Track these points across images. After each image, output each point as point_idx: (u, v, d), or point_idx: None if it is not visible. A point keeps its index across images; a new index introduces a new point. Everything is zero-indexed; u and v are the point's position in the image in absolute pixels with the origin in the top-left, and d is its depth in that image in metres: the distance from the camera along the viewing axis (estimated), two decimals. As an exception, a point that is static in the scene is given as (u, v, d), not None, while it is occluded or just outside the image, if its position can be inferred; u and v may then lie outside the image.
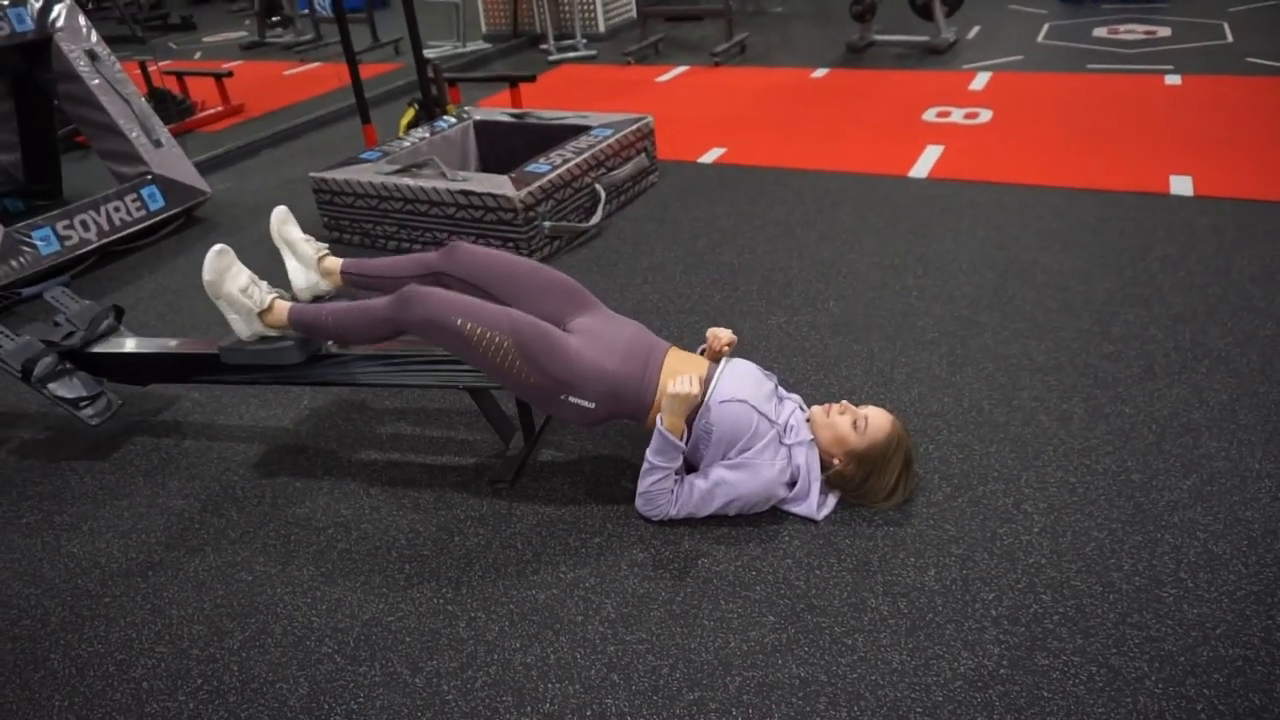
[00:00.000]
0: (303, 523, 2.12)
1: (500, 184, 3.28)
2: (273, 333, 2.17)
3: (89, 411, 2.38)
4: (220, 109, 5.91)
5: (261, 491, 2.24)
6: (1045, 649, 1.62)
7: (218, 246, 2.16)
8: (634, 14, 7.23)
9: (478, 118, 4.20)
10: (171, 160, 3.99)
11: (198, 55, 8.35)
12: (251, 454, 2.40)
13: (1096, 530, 1.87)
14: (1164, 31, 5.86)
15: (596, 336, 2.02)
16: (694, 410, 1.95)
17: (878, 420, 1.96)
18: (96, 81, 3.82)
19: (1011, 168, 3.82)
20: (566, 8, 6.94)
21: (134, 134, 3.87)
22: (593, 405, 1.96)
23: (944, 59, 5.67)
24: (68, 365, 2.41)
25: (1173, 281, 2.81)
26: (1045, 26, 6.30)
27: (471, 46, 7.18)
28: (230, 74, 5.96)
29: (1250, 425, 2.14)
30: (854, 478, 1.96)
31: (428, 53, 7.04)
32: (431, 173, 3.46)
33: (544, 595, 1.84)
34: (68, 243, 3.57)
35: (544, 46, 6.88)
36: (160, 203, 3.91)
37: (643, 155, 3.91)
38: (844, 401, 2.02)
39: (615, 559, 1.92)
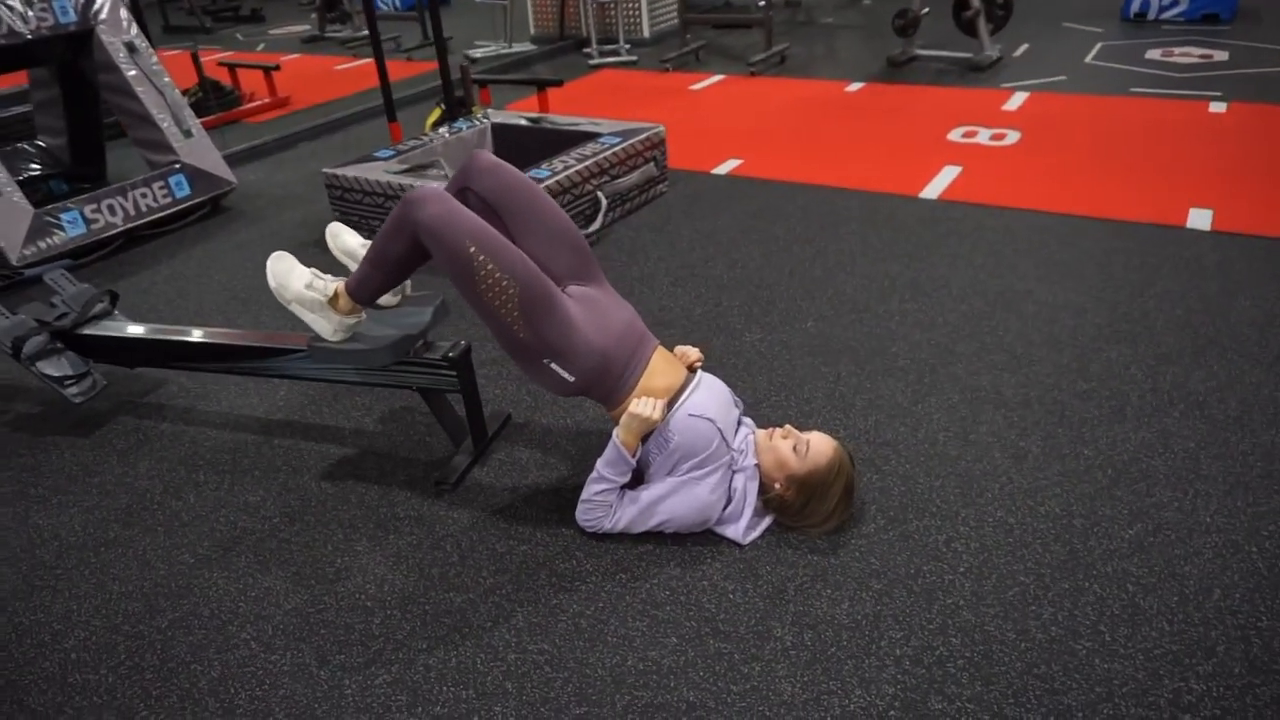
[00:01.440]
0: (252, 510, 2.19)
1: (498, 188, 3.33)
2: (351, 319, 2.11)
3: (73, 390, 2.49)
4: (267, 100, 6.11)
5: (221, 478, 2.33)
6: (942, 693, 1.59)
7: (276, 253, 2.12)
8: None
9: (495, 120, 4.26)
10: (200, 150, 4.15)
11: (260, 47, 8.64)
12: (221, 440, 2.49)
13: (1024, 575, 1.83)
14: (1220, 56, 5.63)
15: (596, 311, 1.95)
16: (650, 432, 1.94)
17: (819, 446, 1.94)
18: (133, 72, 4.00)
19: (1027, 193, 3.72)
20: (611, 13, 6.98)
21: (165, 124, 4.04)
22: (573, 379, 1.90)
23: (984, 76, 5.54)
24: (58, 345, 2.53)
25: (1167, 319, 2.71)
26: (1097, 46, 6.11)
27: (517, 48, 7.28)
28: (278, 67, 6.15)
29: (1211, 476, 2.06)
30: (793, 503, 1.95)
31: (473, 52, 7.21)
32: (436, 173, 3.53)
33: (460, 599, 1.88)
34: (94, 226, 3.75)
35: (587, 50, 6.93)
36: (186, 191, 4.07)
37: (651, 164, 3.92)
38: (788, 426, 2.01)
39: (537, 569, 1.94)
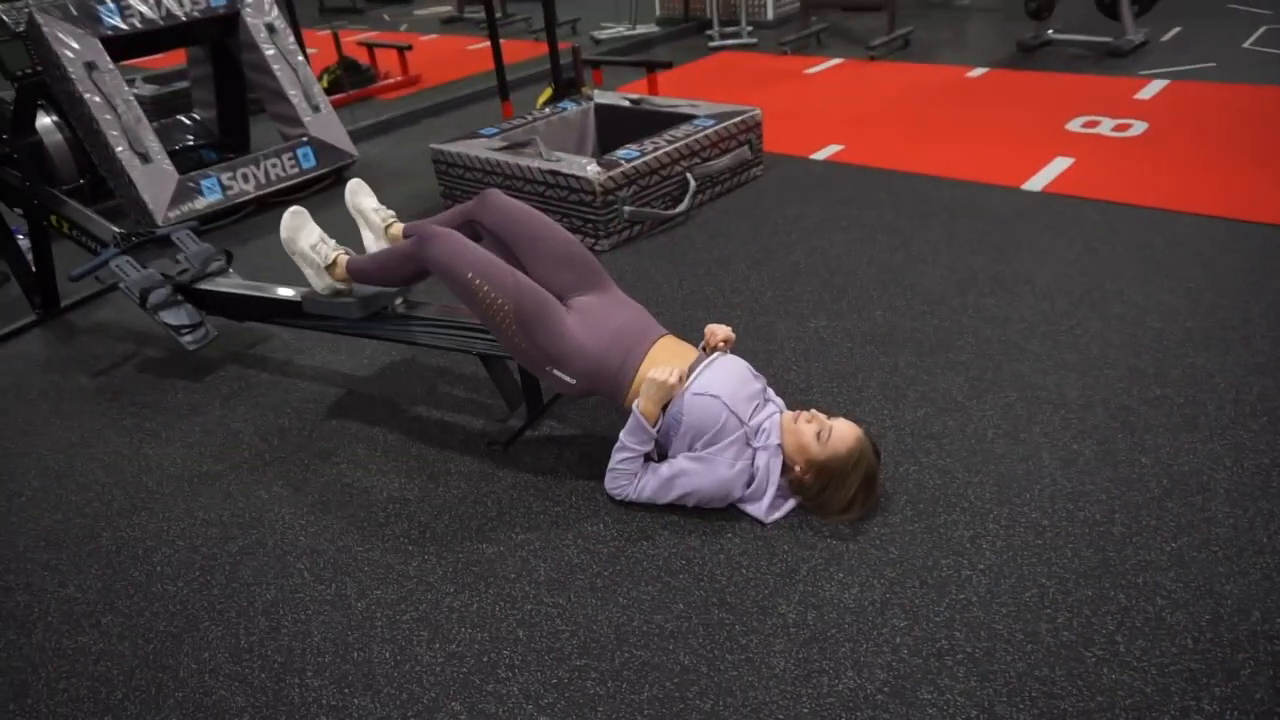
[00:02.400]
0: (324, 456, 2.40)
1: (585, 166, 3.44)
2: (341, 285, 2.41)
3: (188, 338, 2.78)
4: (399, 79, 6.46)
5: (304, 424, 2.55)
6: (934, 684, 1.59)
7: (293, 208, 2.44)
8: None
9: (599, 101, 4.37)
10: (327, 124, 4.47)
11: (403, 27, 9.10)
12: (309, 391, 2.73)
13: (1045, 578, 1.78)
14: (1404, 42, 5.07)
15: (593, 317, 2.10)
16: (670, 399, 2.02)
17: (842, 433, 1.95)
18: (271, 51, 4.35)
19: (1141, 187, 3.51)
20: (735, -6, 6.96)
21: (296, 99, 4.37)
22: (574, 381, 2.08)
23: (1122, 63, 5.21)
24: (179, 297, 2.83)
25: (1269, 329, 2.53)
26: (1260, 30, 5.61)
27: (641, 29, 7.37)
28: (410, 47, 6.49)
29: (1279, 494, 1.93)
30: (811, 486, 1.97)
31: (598, 34, 7.35)
32: (531, 151, 3.68)
33: (491, 550, 2.01)
34: (229, 192, 4.12)
35: (709, 33, 6.94)
36: (312, 162, 4.40)
37: (745, 148, 3.93)
38: (813, 410, 2.03)
39: (565, 529, 2.05)
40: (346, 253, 2.46)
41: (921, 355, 2.57)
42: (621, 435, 2.03)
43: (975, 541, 1.89)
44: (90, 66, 3.80)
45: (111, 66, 3.87)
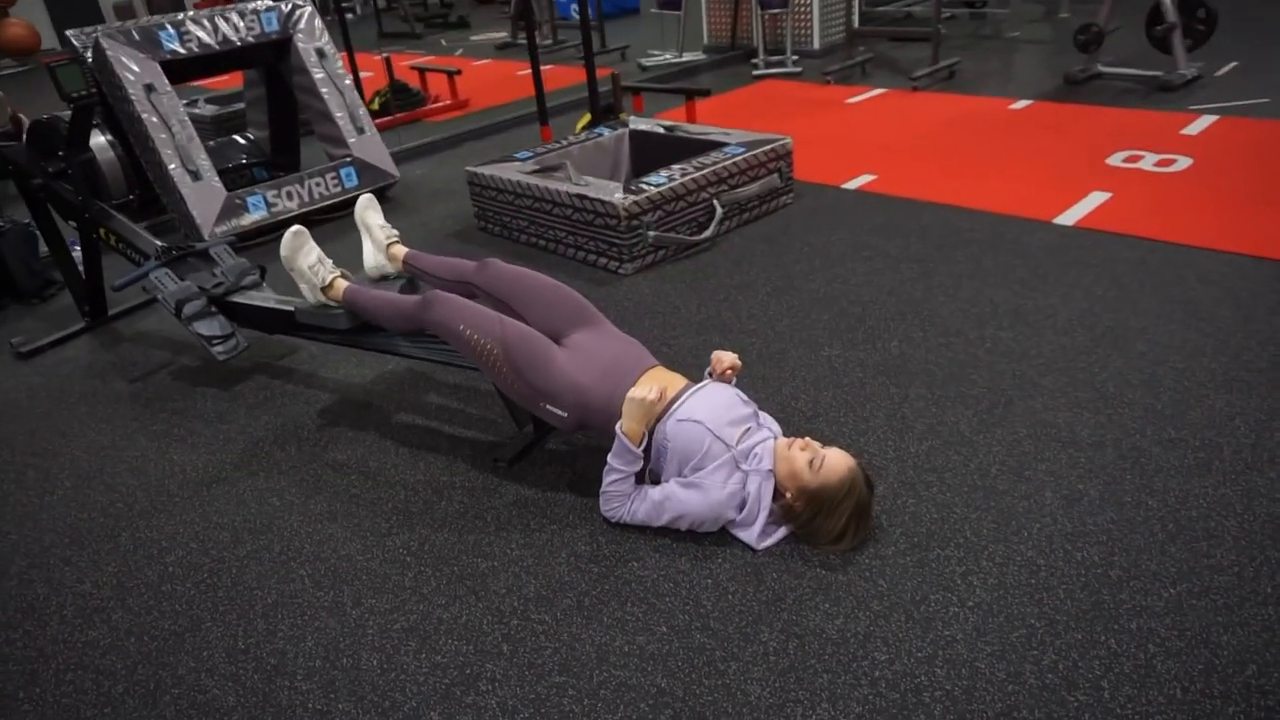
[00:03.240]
0: (337, 466, 2.47)
1: (612, 191, 3.50)
2: (332, 304, 2.56)
3: (219, 348, 2.89)
4: (448, 102, 6.63)
5: (321, 435, 2.63)
6: (909, 720, 1.57)
7: (295, 228, 2.58)
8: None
9: (633, 128, 4.44)
10: (370, 146, 4.62)
11: (459, 52, 9.34)
12: (330, 403, 2.81)
13: (1035, 619, 1.75)
14: None
15: (583, 353, 2.19)
16: (655, 420, 2.05)
17: (834, 462, 1.95)
18: (320, 75, 4.51)
19: (1179, 224, 3.43)
20: (782, 23, 7.00)
21: (342, 121, 4.53)
22: (565, 414, 2.14)
23: (1172, 98, 5.11)
24: (213, 309, 2.94)
25: (1297, 372, 2.45)
26: (1321, 66, 5.46)
27: (687, 56, 7.45)
28: (459, 72, 6.67)
29: (1289, 544, 1.87)
30: (802, 514, 1.97)
31: (645, 60, 7.45)
32: (561, 176, 3.75)
33: (485, 565, 2.04)
34: (273, 209, 4.27)
35: (754, 61, 6.99)
36: (355, 182, 4.54)
37: (775, 176, 3.95)
38: (807, 438, 2.03)
39: (559, 547, 2.07)
40: (344, 276, 2.59)
41: (932, 387, 2.55)
42: (609, 458, 2.06)
43: (967, 578, 1.87)
44: (149, 88, 4.00)
45: (169, 88, 4.07)
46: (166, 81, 4.07)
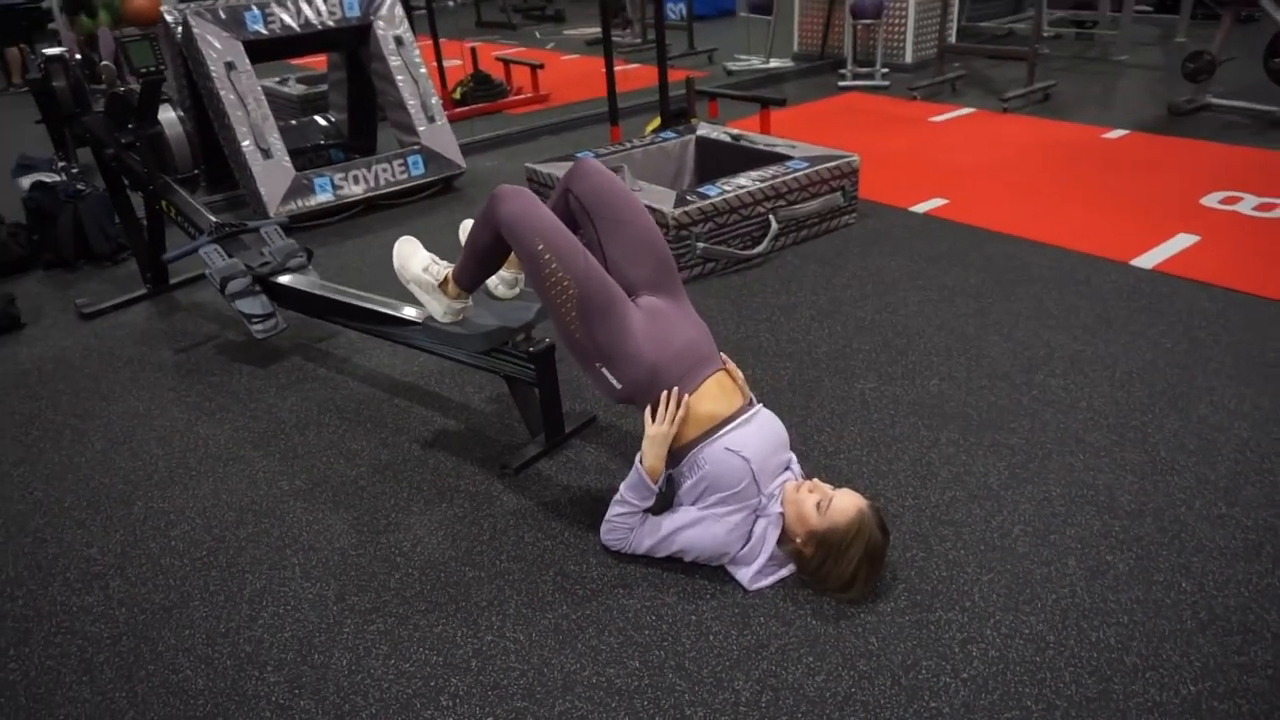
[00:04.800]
0: (350, 455, 2.48)
1: (664, 199, 3.43)
2: (458, 304, 2.27)
3: (258, 327, 2.94)
4: (529, 95, 6.66)
5: (341, 423, 2.65)
6: (876, 796, 1.47)
7: (404, 237, 2.35)
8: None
9: (700, 134, 4.36)
10: (439, 135, 4.66)
11: (550, 45, 9.39)
12: (356, 391, 2.83)
13: (1032, 701, 1.62)
14: None
15: (660, 325, 1.97)
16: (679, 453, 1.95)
17: (842, 505, 1.85)
18: (397, 62, 4.57)
19: (1273, 278, 3.17)
20: (874, 35, 6.79)
21: (414, 109, 4.58)
22: (620, 386, 1.95)
23: (1286, 136, 4.75)
24: (256, 288, 3.00)
25: (1378, 454, 2.22)
26: None
27: (775, 63, 7.31)
28: (542, 66, 6.68)
29: (1336, 650, 1.68)
30: (811, 559, 1.87)
31: (731, 65, 7.35)
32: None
33: (471, 574, 2.01)
34: (339, 191, 4.35)
35: (842, 71, 6.81)
36: (421, 170, 4.59)
37: (838, 194, 3.82)
38: (816, 480, 1.93)
39: (548, 565, 2.03)
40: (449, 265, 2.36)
41: (966, 433, 2.41)
42: (622, 489, 1.97)
43: (966, 647, 1.74)
44: (230, 66, 4.12)
45: (249, 67, 4.18)
46: (247, 60, 4.19)
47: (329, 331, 3.20)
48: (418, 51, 4.67)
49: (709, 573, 1.96)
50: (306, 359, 3.06)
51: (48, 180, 4.03)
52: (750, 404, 2.03)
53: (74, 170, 4.23)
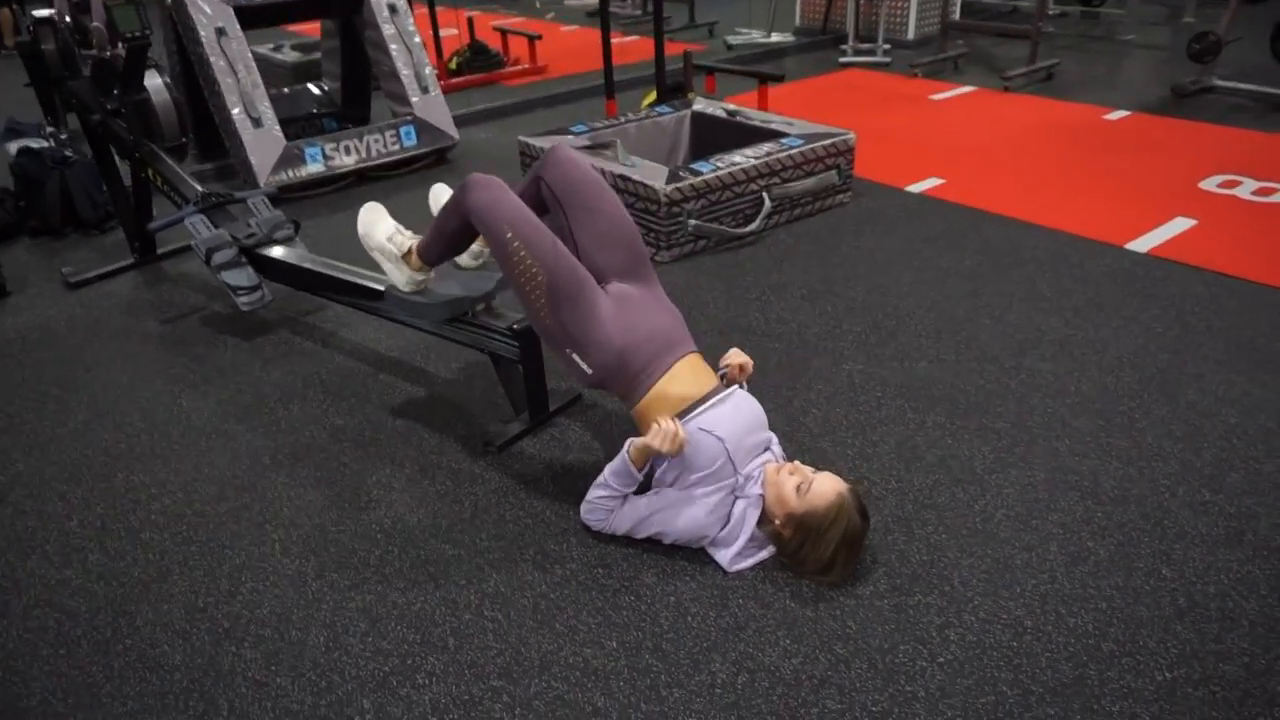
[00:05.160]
0: (333, 431, 2.47)
1: (656, 175, 3.39)
2: (419, 275, 2.30)
3: (244, 299, 2.91)
4: (526, 67, 6.58)
5: (324, 397, 2.63)
6: (847, 780, 1.47)
7: (369, 204, 2.36)
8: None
9: (695, 109, 4.30)
10: (432, 106, 4.60)
11: (549, 16, 9.27)
12: (342, 365, 2.81)
13: (1008, 686, 1.62)
14: None
15: (629, 310, 1.98)
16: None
17: (822, 487, 1.84)
18: (390, 31, 4.51)
19: (1269, 264, 3.14)
20: (875, 10, 6.70)
21: (408, 79, 4.52)
22: (589, 371, 1.96)
23: (1288, 119, 4.69)
24: (242, 260, 2.97)
25: (1366, 444, 2.21)
26: None
27: (775, 38, 7.22)
28: (539, 37, 6.60)
29: (1314, 639, 1.68)
30: (789, 542, 1.87)
31: (731, 38, 7.26)
32: (610, 154, 3.66)
33: (451, 552, 2.01)
34: (330, 162, 4.31)
35: (843, 47, 6.72)
36: (413, 141, 4.54)
37: (833, 172, 3.78)
38: (796, 462, 1.92)
39: (528, 543, 2.02)
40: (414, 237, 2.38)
41: (953, 416, 2.39)
42: (605, 472, 1.96)
43: (943, 631, 1.74)
44: (220, 32, 4.06)
45: (239, 34, 4.12)
46: (238, 26, 4.13)
47: (315, 305, 3.18)
48: (412, 20, 4.61)
49: (688, 554, 1.95)
50: (293, 332, 3.04)
51: (35, 146, 3.98)
52: (724, 385, 2.02)
53: (62, 136, 4.18)
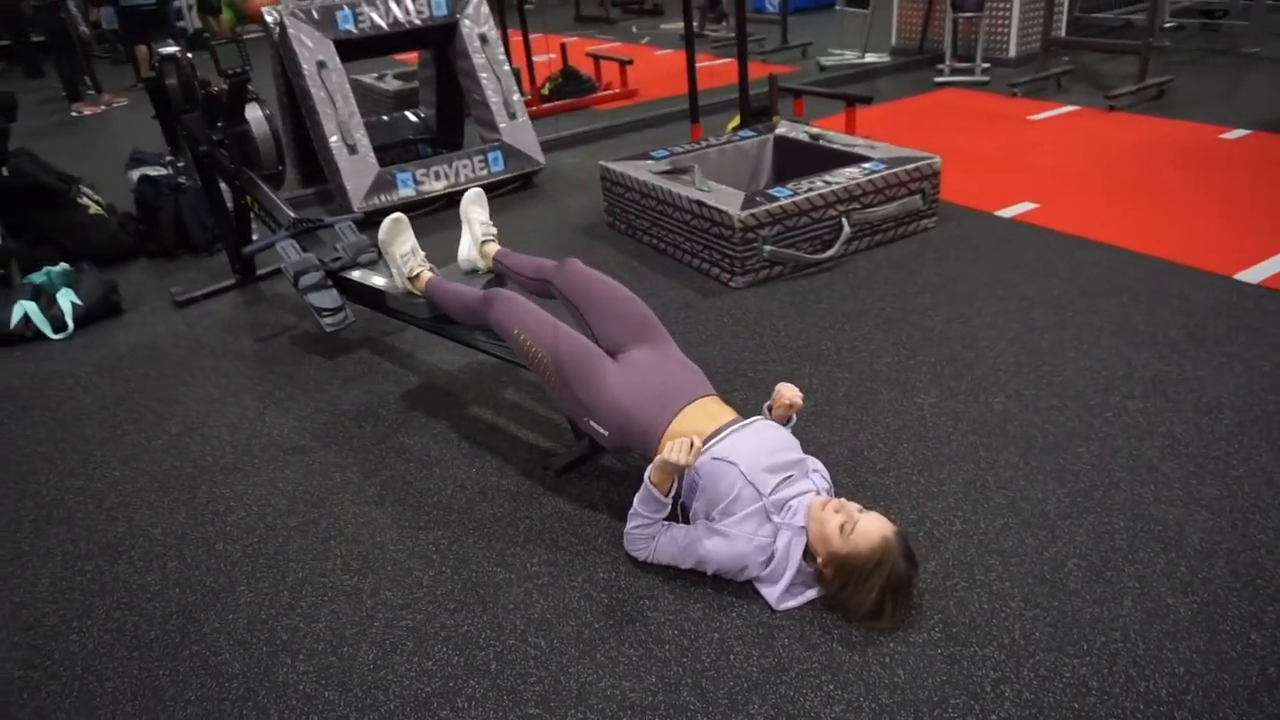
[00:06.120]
0: (401, 450, 2.54)
1: (732, 201, 3.38)
2: (415, 294, 2.65)
3: (328, 320, 3.04)
4: (617, 91, 6.68)
5: (398, 417, 2.72)
6: (883, 839, 1.41)
7: (395, 215, 2.68)
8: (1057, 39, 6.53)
9: (778, 133, 4.27)
10: (520, 132, 4.72)
11: (645, 40, 9.39)
12: (415, 386, 2.90)
13: (1066, 750, 1.52)
14: None
15: (635, 373, 2.12)
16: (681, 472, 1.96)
17: (866, 529, 1.78)
18: (481, 60, 4.65)
19: (1394, 296, 2.89)
20: (975, 28, 6.51)
21: (496, 106, 4.65)
22: (606, 433, 2.09)
23: None
24: (328, 282, 3.10)
25: None
26: None
27: (870, 58, 7.10)
28: (630, 61, 6.68)
29: None
30: (831, 583, 1.82)
31: (825, 60, 7.18)
32: (687, 179, 3.66)
33: (502, 575, 2.03)
34: (420, 187, 4.46)
35: (940, 67, 6.55)
36: (500, 166, 4.66)
37: (917, 197, 3.67)
38: (843, 499, 1.87)
39: (577, 570, 2.03)
40: (431, 270, 2.67)
41: (1028, 456, 2.28)
42: (635, 502, 1.97)
43: (998, 687, 1.65)
44: (320, 65, 4.27)
45: (339, 66, 4.33)
46: (338, 59, 4.34)
47: (395, 327, 3.29)
48: (502, 50, 4.74)
49: (737, 589, 1.92)
50: (373, 352, 3.15)
51: (153, 174, 4.27)
52: (739, 419, 2.04)
53: (180, 165, 4.47)
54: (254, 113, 3.60)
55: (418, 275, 2.63)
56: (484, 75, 4.64)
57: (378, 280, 2.93)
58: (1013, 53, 6.58)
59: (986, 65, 6.35)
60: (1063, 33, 6.70)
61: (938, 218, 3.79)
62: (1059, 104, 5.48)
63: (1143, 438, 2.31)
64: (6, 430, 2.86)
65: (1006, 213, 3.87)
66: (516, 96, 4.73)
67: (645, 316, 2.27)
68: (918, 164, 3.65)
